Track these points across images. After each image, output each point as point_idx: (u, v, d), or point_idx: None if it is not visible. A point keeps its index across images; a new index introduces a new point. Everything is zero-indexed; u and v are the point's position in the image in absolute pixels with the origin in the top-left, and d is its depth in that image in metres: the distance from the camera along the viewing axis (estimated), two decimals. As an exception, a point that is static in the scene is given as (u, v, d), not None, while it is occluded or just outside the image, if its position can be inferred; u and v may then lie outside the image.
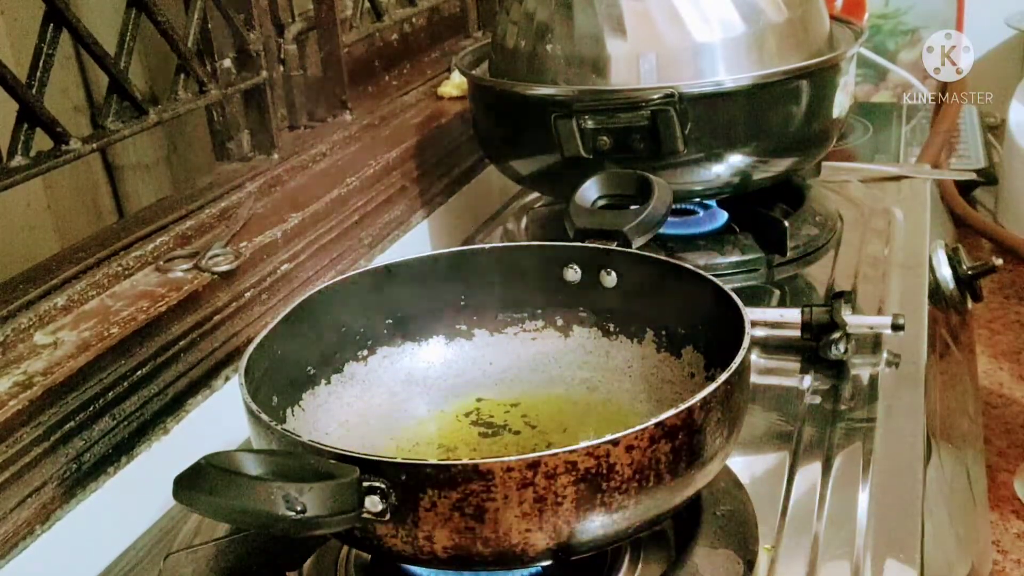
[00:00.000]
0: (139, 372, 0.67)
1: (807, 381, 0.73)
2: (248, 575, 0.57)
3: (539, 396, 0.68)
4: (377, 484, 0.46)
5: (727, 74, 0.84)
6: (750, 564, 0.55)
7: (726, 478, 0.61)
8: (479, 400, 0.68)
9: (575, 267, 0.69)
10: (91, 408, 0.64)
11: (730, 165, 0.86)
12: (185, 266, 0.74)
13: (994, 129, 1.68)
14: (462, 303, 0.70)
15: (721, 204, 0.95)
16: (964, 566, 0.74)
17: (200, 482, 0.43)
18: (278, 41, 0.95)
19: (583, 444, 0.46)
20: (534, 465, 0.46)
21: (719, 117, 0.84)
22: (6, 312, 0.65)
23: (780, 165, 0.89)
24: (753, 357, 0.56)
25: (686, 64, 0.84)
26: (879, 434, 0.67)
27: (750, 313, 0.57)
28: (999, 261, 0.97)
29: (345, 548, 0.59)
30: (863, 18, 1.37)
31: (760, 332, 0.77)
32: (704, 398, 0.49)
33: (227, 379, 0.75)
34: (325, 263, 0.88)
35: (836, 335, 0.73)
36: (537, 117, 0.85)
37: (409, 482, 0.46)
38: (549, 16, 0.87)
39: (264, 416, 0.51)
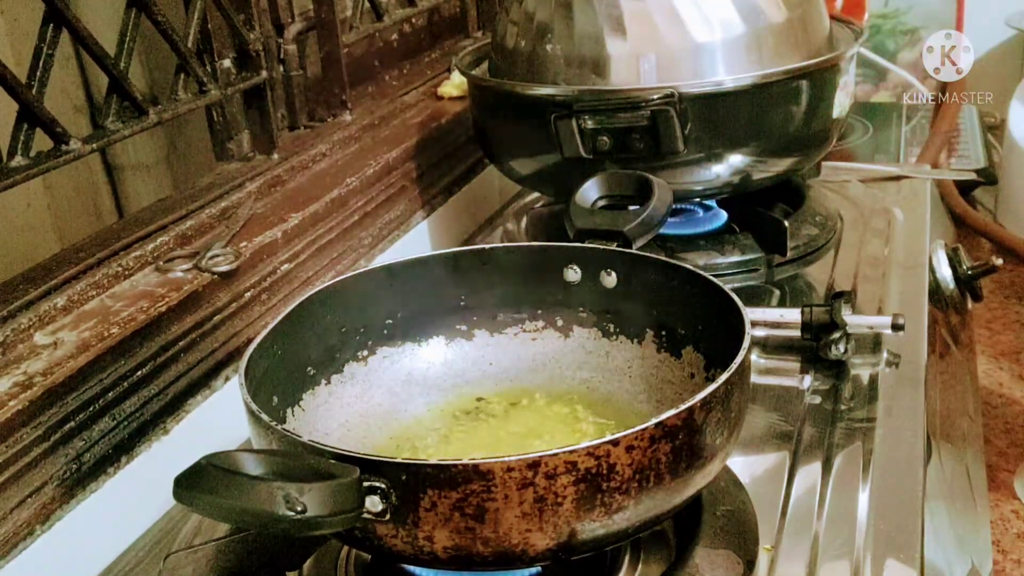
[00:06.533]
0: (139, 372, 0.67)
1: (807, 381, 0.74)
2: (248, 575, 0.57)
3: (539, 396, 0.68)
4: (377, 484, 0.46)
5: (727, 74, 0.84)
6: (750, 564, 0.56)
7: (726, 478, 0.61)
8: (479, 400, 0.68)
9: (575, 267, 0.69)
10: (91, 408, 0.64)
11: (730, 165, 0.86)
12: (185, 266, 0.74)
13: (994, 129, 1.68)
14: (462, 303, 0.70)
15: (721, 204, 0.95)
16: (964, 566, 0.74)
17: (200, 482, 0.43)
18: (278, 41, 0.95)
19: (583, 444, 0.46)
20: (534, 465, 0.46)
21: (719, 117, 0.84)
22: (6, 312, 0.65)
23: (780, 165, 0.89)
24: (753, 357, 0.56)
25: (686, 64, 0.84)
26: (879, 434, 0.67)
27: (750, 313, 0.57)
28: (999, 261, 0.97)
29: (345, 548, 0.59)
30: (863, 18, 1.38)
31: (760, 332, 0.77)
32: (704, 398, 0.49)
33: (227, 379, 0.75)
34: (325, 263, 0.88)
35: (836, 335, 0.73)
36: (537, 117, 0.85)
37: (409, 482, 0.46)
38: (549, 16, 0.87)
39: (264, 416, 0.51)
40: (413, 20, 1.26)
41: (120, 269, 0.73)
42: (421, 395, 0.68)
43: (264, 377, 0.58)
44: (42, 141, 0.69)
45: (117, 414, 0.66)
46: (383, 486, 0.46)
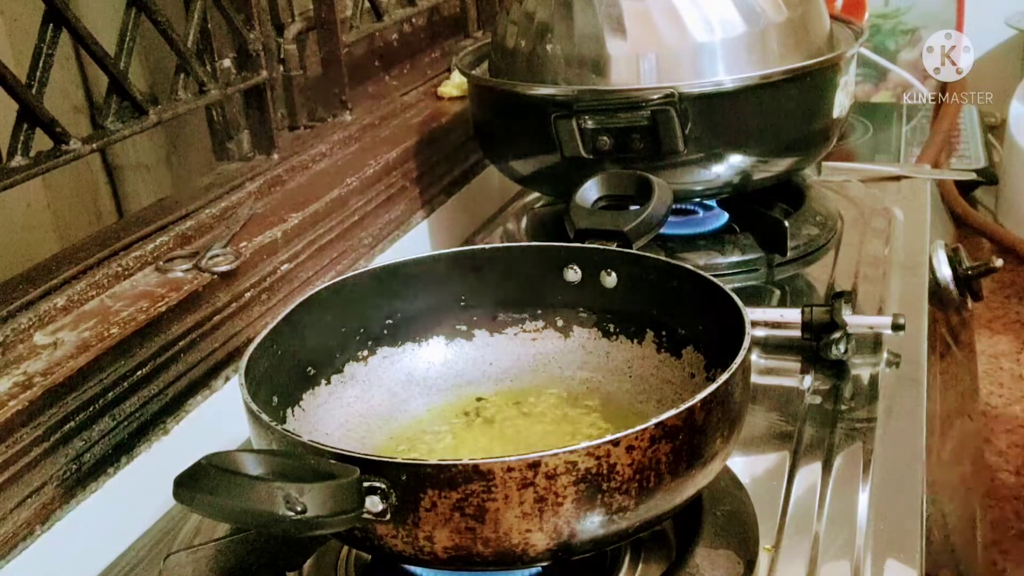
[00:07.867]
0: (139, 372, 0.67)
1: (807, 381, 0.73)
2: (248, 575, 0.57)
3: (539, 396, 0.68)
4: (377, 484, 0.46)
5: (727, 74, 0.84)
6: (750, 564, 0.55)
7: (726, 478, 0.61)
8: (479, 400, 0.68)
9: (575, 267, 0.69)
10: (91, 408, 0.63)
11: (730, 165, 0.86)
12: (185, 266, 0.74)
13: (994, 129, 1.68)
14: (462, 303, 0.70)
15: (721, 204, 0.95)
16: (964, 566, 0.74)
17: (200, 482, 0.43)
18: (278, 41, 0.95)
19: (583, 444, 0.46)
20: (534, 465, 0.46)
21: (719, 117, 0.84)
22: (6, 312, 0.65)
23: (780, 165, 0.89)
24: (753, 357, 0.56)
25: (686, 64, 0.84)
26: (879, 434, 0.67)
27: (750, 313, 0.57)
28: (999, 261, 0.97)
29: (345, 548, 0.59)
30: (863, 18, 1.37)
31: (760, 332, 0.77)
32: (704, 398, 0.49)
33: (227, 379, 0.75)
34: (325, 263, 0.88)
35: (836, 335, 0.73)
36: (537, 117, 0.85)
37: (409, 482, 0.46)
38: (549, 16, 0.87)
39: (264, 416, 0.51)
40: (413, 20, 1.26)
41: (120, 269, 0.73)
42: (421, 395, 0.68)
43: (264, 377, 0.58)
44: (42, 141, 0.69)
45: (117, 414, 0.66)
46: (383, 486, 0.46)
